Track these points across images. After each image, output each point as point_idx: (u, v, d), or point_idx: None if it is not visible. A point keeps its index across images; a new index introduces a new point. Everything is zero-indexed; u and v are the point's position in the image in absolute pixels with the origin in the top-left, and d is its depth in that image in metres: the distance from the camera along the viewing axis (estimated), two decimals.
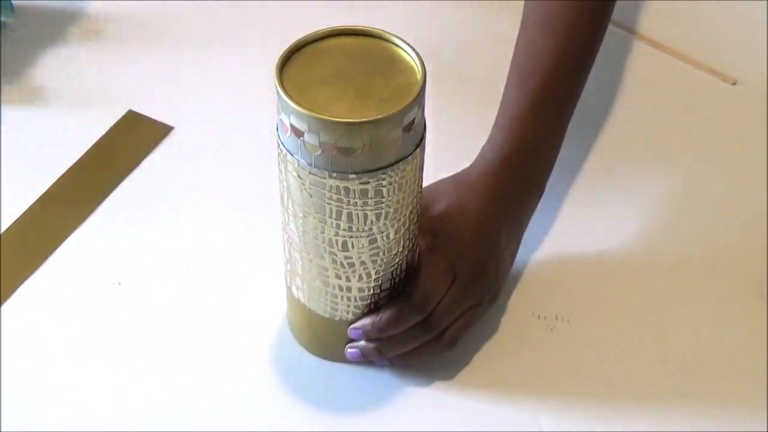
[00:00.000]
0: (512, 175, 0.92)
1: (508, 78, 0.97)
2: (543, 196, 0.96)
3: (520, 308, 0.95)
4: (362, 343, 0.88)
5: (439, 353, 0.89)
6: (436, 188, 0.91)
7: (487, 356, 0.91)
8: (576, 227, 1.01)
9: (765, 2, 1.22)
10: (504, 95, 0.97)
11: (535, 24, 0.99)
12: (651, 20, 1.22)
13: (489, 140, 0.95)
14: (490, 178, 0.92)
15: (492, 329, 0.93)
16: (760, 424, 0.87)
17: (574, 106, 0.98)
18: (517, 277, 0.97)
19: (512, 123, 0.94)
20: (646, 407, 0.88)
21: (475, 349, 0.92)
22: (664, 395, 0.89)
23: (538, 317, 0.94)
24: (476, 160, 0.94)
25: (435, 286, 0.87)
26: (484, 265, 0.89)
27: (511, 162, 0.92)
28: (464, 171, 0.93)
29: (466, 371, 0.90)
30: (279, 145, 0.79)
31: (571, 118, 0.98)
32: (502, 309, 0.94)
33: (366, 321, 0.86)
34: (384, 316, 0.86)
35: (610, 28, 1.04)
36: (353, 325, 0.87)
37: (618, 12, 1.13)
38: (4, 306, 0.94)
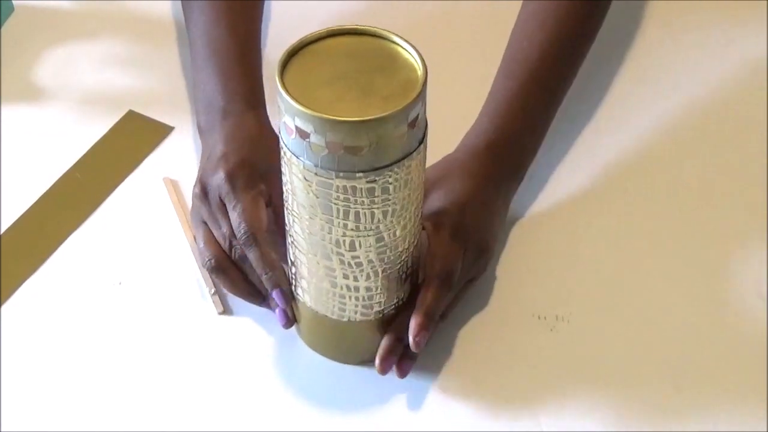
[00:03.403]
0: (499, 160, 0.95)
1: (500, 66, 1.00)
2: (545, 195, 0.98)
3: (520, 308, 0.95)
4: (387, 344, 0.88)
5: (433, 330, 0.89)
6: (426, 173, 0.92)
7: (487, 356, 0.91)
8: (576, 227, 1.01)
9: (765, 2, 1.23)
10: (493, 83, 0.99)
11: (527, 16, 1.02)
12: (644, 20, 1.23)
13: (475, 125, 0.97)
14: (477, 162, 0.94)
15: (492, 329, 0.93)
16: (760, 424, 0.87)
17: (561, 98, 1.01)
18: (517, 277, 0.97)
19: (498, 110, 0.97)
20: (646, 407, 0.88)
21: (476, 349, 0.92)
22: (664, 395, 0.89)
23: (538, 317, 0.94)
24: (460, 145, 0.96)
25: (454, 262, 0.88)
26: (485, 241, 0.92)
27: (496, 148, 0.95)
28: (450, 156, 0.96)
29: (466, 371, 0.90)
30: (282, 148, 0.79)
31: (557, 109, 1.00)
32: (503, 309, 0.94)
33: (418, 318, 0.86)
34: (428, 303, 0.86)
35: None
36: (412, 330, 0.86)
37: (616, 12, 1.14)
38: (4, 306, 0.94)
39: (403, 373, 0.88)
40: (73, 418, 0.87)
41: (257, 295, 0.91)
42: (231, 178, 0.91)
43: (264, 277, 0.89)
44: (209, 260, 0.91)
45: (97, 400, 0.88)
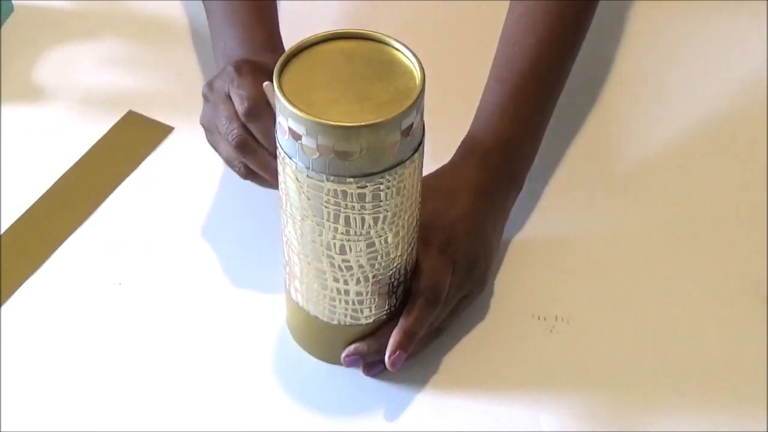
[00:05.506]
0: (493, 169, 0.94)
1: (490, 72, 0.99)
2: (545, 196, 0.97)
3: (520, 308, 0.95)
4: (361, 348, 0.88)
5: (425, 345, 0.90)
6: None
7: (488, 357, 0.91)
8: (576, 228, 1.01)
9: (765, 2, 1.22)
10: (485, 89, 0.98)
11: (516, 20, 1.00)
12: (644, 20, 1.22)
13: (469, 133, 0.96)
14: (469, 173, 0.93)
15: (492, 330, 0.93)
16: (760, 424, 0.87)
17: (556, 101, 1.00)
18: (517, 278, 0.97)
19: (492, 117, 0.96)
20: (646, 407, 0.88)
21: (476, 350, 0.92)
22: (664, 395, 0.89)
23: (538, 317, 0.94)
24: (456, 154, 0.96)
25: (441, 279, 0.87)
26: (476, 255, 0.90)
27: (492, 157, 0.94)
28: (445, 166, 0.95)
29: (466, 371, 0.90)
30: (278, 148, 0.79)
31: (551, 113, 0.99)
32: (503, 310, 0.94)
33: (397, 336, 0.86)
34: (409, 322, 0.86)
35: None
36: (389, 348, 0.86)
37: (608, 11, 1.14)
38: (4, 306, 0.94)
39: (369, 373, 0.89)
40: (72, 418, 0.87)
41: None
42: (237, 67, 0.90)
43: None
44: (234, 138, 0.88)
45: (96, 400, 0.88)
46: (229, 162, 0.92)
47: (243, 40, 0.98)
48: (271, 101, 0.86)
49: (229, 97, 0.90)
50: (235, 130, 0.89)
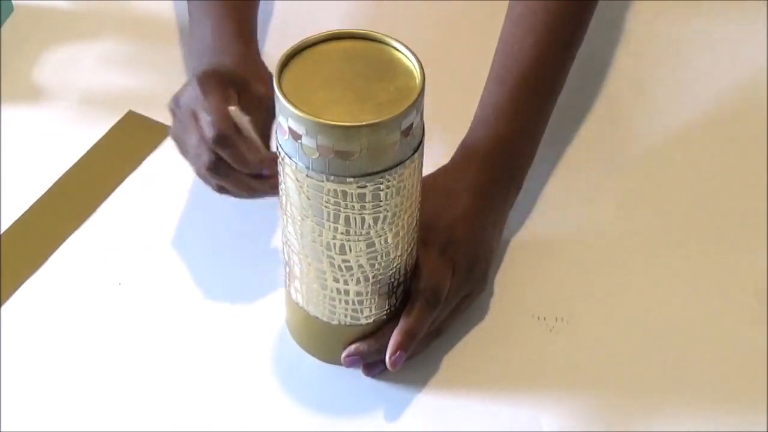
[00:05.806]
0: (493, 170, 0.94)
1: (489, 72, 0.99)
2: (545, 196, 0.97)
3: (520, 309, 0.95)
4: (362, 348, 0.88)
5: (425, 345, 0.90)
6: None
7: (488, 357, 0.91)
8: (576, 228, 1.01)
9: (765, 2, 1.22)
10: (484, 89, 0.98)
11: (515, 20, 1.00)
12: (644, 20, 1.22)
13: (469, 134, 0.96)
14: (469, 174, 0.93)
15: (492, 330, 0.93)
16: (760, 424, 0.87)
17: (555, 101, 1.00)
18: (517, 278, 0.97)
19: (492, 117, 0.96)
20: (646, 407, 0.88)
21: (476, 350, 0.92)
22: (664, 395, 0.89)
23: (538, 317, 0.94)
24: (456, 155, 0.96)
25: (441, 279, 0.88)
26: (476, 255, 0.91)
27: (491, 157, 0.94)
28: (445, 167, 0.95)
29: (466, 372, 0.90)
30: (277, 148, 0.79)
31: (551, 113, 0.99)
32: (503, 310, 0.94)
33: (397, 337, 0.87)
34: (410, 323, 0.86)
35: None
36: (389, 348, 0.87)
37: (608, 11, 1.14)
38: (4, 306, 0.94)
39: (369, 373, 0.89)
40: (72, 418, 0.87)
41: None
42: (200, 84, 0.90)
43: (248, 168, 0.88)
44: (204, 163, 0.88)
45: (96, 400, 0.88)
46: (201, 178, 0.92)
47: (214, 32, 0.98)
48: (238, 124, 0.87)
49: (196, 117, 0.89)
50: (204, 155, 0.88)
